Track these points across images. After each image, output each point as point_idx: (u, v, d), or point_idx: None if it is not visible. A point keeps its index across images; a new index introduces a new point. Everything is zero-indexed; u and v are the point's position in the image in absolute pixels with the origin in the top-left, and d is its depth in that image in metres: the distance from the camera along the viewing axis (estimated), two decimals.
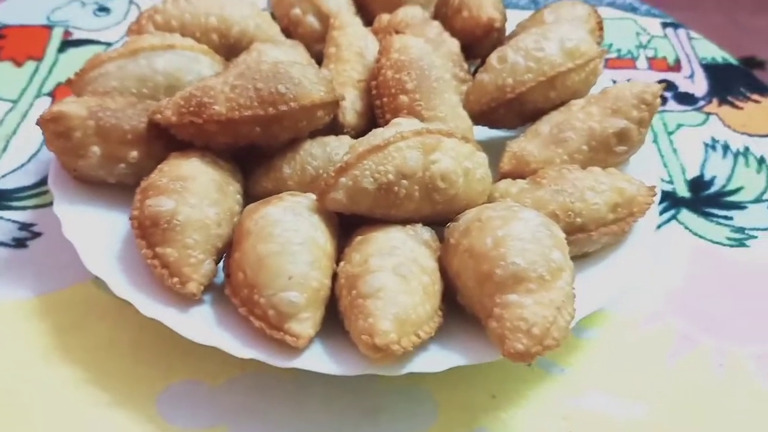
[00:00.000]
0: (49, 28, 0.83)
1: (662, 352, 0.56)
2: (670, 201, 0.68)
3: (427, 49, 0.61)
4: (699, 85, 0.81)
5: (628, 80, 0.79)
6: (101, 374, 0.52)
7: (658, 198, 0.59)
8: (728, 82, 0.82)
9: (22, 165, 0.67)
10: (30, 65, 0.78)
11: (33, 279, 0.57)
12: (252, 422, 0.49)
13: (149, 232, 0.50)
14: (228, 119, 0.53)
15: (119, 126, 0.55)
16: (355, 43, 0.66)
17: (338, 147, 0.57)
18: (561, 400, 0.52)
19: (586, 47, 0.62)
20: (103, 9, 0.86)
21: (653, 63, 0.84)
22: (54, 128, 0.54)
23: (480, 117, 0.64)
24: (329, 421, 0.50)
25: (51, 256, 0.59)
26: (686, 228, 0.66)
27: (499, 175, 0.60)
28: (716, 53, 0.86)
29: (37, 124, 0.54)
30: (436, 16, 0.74)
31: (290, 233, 0.48)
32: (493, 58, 0.63)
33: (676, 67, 0.84)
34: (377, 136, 0.51)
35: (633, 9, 0.92)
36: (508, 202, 0.52)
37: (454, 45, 0.68)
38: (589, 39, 0.63)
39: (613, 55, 0.85)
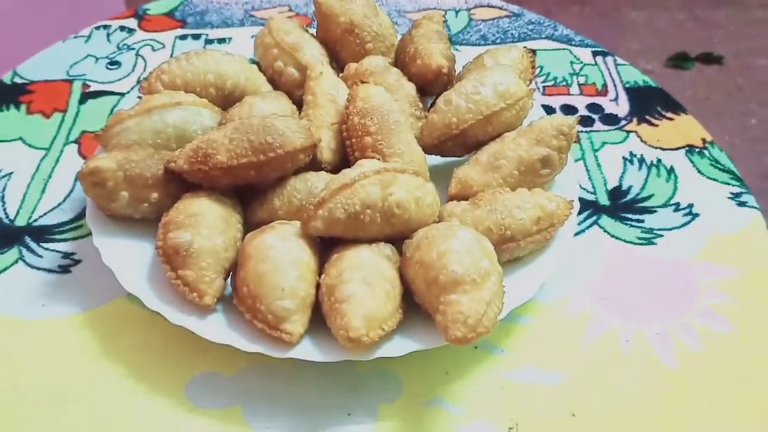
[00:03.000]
0: (69, 82, 0.95)
1: (581, 332, 0.69)
2: (593, 209, 0.82)
3: (386, 97, 0.75)
4: (622, 107, 0.95)
5: (562, 105, 0.94)
6: (138, 370, 0.65)
7: (575, 210, 0.73)
8: (647, 103, 0.95)
9: (59, 204, 0.79)
10: (57, 116, 0.90)
11: (79, 298, 0.70)
12: (260, 402, 0.63)
13: (172, 259, 0.64)
14: (228, 166, 0.67)
15: (142, 174, 0.69)
16: (328, 91, 0.79)
17: (317, 181, 0.71)
18: (500, 374, 0.66)
19: (515, 89, 0.76)
20: (114, 63, 0.98)
21: (584, 89, 0.98)
22: (91, 180, 0.67)
23: (432, 149, 0.77)
24: (320, 396, 0.63)
25: (91, 278, 0.71)
26: (605, 231, 0.79)
27: (448, 197, 0.74)
28: (638, 77, 0.99)
29: (77, 177, 0.68)
30: (396, 63, 0.87)
31: (281, 255, 0.62)
32: (440, 101, 0.77)
33: (603, 91, 0.97)
34: (346, 175, 0.65)
35: (569, 40, 1.06)
36: (450, 223, 0.66)
37: (410, 88, 0.82)
38: (518, 81, 0.77)
39: (550, 83, 0.99)
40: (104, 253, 0.68)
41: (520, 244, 0.68)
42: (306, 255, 0.64)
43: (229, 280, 0.66)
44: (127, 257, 0.68)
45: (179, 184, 0.70)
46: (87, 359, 0.66)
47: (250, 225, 0.70)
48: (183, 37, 1.03)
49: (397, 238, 0.67)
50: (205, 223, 0.65)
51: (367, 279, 0.61)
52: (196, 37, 1.03)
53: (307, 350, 0.61)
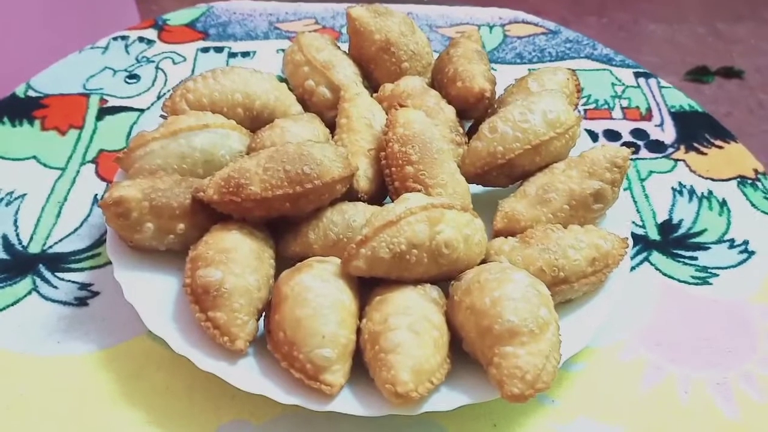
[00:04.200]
0: (86, 96, 0.90)
1: (637, 381, 0.65)
2: (643, 244, 0.77)
3: (428, 123, 0.70)
4: (668, 133, 0.91)
5: (605, 131, 0.90)
6: (160, 416, 0.60)
7: (629, 249, 0.68)
8: (694, 130, 0.90)
9: (76, 230, 0.75)
10: (72, 134, 0.85)
11: (96, 334, 0.66)
12: None
13: (201, 299, 0.59)
14: (263, 198, 0.62)
15: (169, 204, 0.64)
16: (364, 114, 0.74)
17: (355, 214, 0.66)
18: (552, 426, 0.61)
19: (566, 117, 0.72)
20: (133, 76, 0.93)
21: (627, 112, 0.93)
22: (115, 210, 0.62)
23: (475, 178, 0.73)
24: None
25: (110, 312, 0.67)
26: (656, 269, 0.75)
27: (493, 232, 0.69)
28: (684, 102, 0.95)
29: (100, 206, 0.63)
30: (432, 83, 0.83)
31: (321, 298, 0.57)
32: (485, 128, 0.72)
33: (648, 116, 0.93)
34: (390, 211, 0.61)
35: (609, 60, 1.01)
36: (502, 265, 0.61)
37: (450, 112, 0.77)
38: (568, 109, 0.73)
39: (591, 105, 0.94)
40: (126, 288, 0.63)
41: (573, 286, 0.64)
42: (347, 297, 0.59)
43: (261, 321, 0.61)
44: (150, 293, 0.64)
45: (207, 214, 0.65)
46: (104, 403, 0.62)
47: (281, 259, 0.65)
48: (205, 50, 0.98)
49: (443, 278, 0.63)
50: (237, 260, 0.60)
51: (414, 326, 0.56)
52: (219, 50, 0.99)
53: (348, 403, 0.57)
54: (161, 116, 0.77)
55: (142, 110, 0.89)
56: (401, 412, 0.56)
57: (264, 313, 0.61)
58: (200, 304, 0.59)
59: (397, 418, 0.58)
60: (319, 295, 0.57)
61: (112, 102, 0.90)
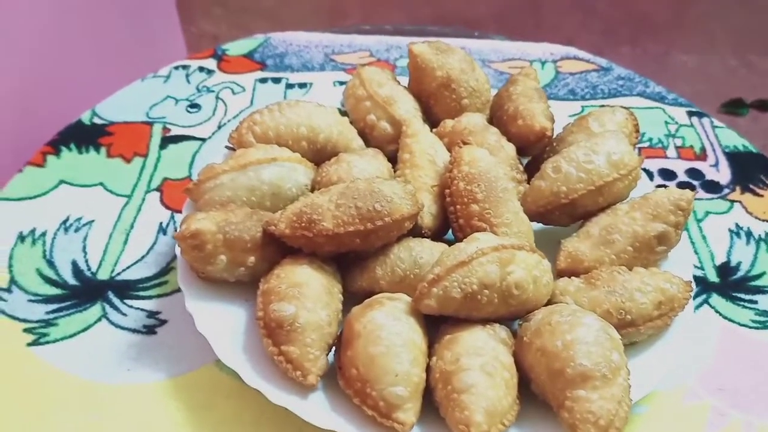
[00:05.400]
0: (149, 124, 0.92)
1: (701, 427, 0.65)
2: (702, 286, 0.77)
3: (492, 162, 0.71)
4: (723, 174, 0.91)
5: (659, 170, 0.90)
6: None
7: (693, 293, 0.68)
8: (749, 171, 0.90)
9: (143, 257, 0.76)
10: (137, 161, 0.87)
11: (165, 362, 0.67)
12: None
13: (275, 333, 0.60)
14: (335, 234, 0.63)
15: (241, 237, 0.65)
16: (426, 150, 0.75)
17: (422, 251, 0.67)
18: None
19: (629, 159, 0.72)
20: (194, 105, 0.95)
21: (681, 152, 0.93)
22: (191, 243, 0.64)
23: (536, 217, 0.73)
24: None
25: (178, 341, 0.68)
26: (716, 311, 0.75)
27: (557, 272, 0.70)
28: (738, 141, 0.95)
29: (176, 239, 0.65)
30: (491, 120, 0.84)
31: (394, 336, 0.58)
32: (548, 168, 0.73)
33: (703, 156, 0.93)
34: (461, 251, 0.61)
35: (661, 98, 1.02)
36: (571, 307, 0.62)
37: (511, 149, 0.78)
38: (631, 150, 0.73)
39: (645, 144, 0.94)
40: (198, 318, 0.64)
41: (640, 329, 0.64)
42: (418, 336, 0.60)
43: (330, 356, 0.62)
44: (220, 324, 0.65)
45: (277, 247, 0.66)
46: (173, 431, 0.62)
47: (348, 293, 0.66)
48: (263, 81, 1.00)
49: (510, 317, 0.63)
50: (310, 295, 0.61)
51: (486, 367, 0.57)
52: (277, 80, 1.01)
53: None
54: (227, 147, 0.79)
55: (203, 139, 0.91)
56: None
57: (333, 349, 0.62)
58: (273, 337, 0.60)
59: None
60: (392, 333, 0.58)
61: (174, 131, 0.92)
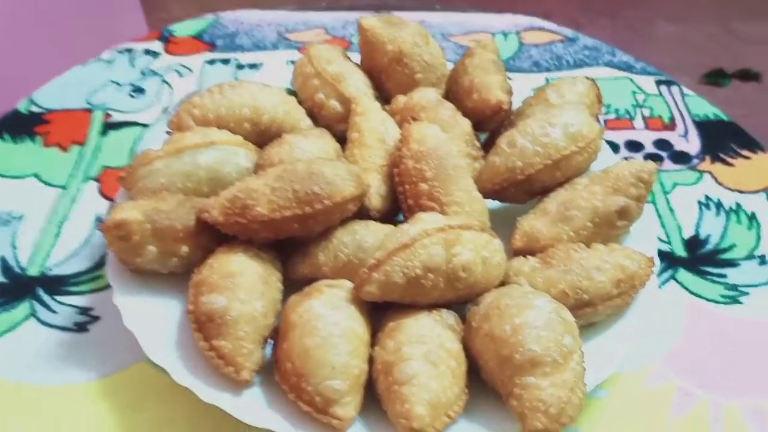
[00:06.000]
0: (89, 111, 0.87)
1: (665, 409, 0.61)
2: (668, 261, 0.74)
3: (443, 138, 0.67)
4: (693, 144, 0.87)
5: (626, 142, 0.86)
6: None
7: (657, 269, 0.64)
8: (720, 140, 0.87)
9: (76, 251, 0.72)
10: (75, 150, 0.82)
11: (96, 362, 0.63)
12: None
13: (205, 327, 0.56)
14: (270, 219, 0.59)
15: (172, 226, 0.61)
16: (376, 128, 0.71)
17: (367, 234, 0.63)
18: None
19: (588, 130, 0.68)
20: (138, 90, 0.91)
21: (649, 122, 0.89)
22: (116, 233, 0.59)
23: (492, 194, 0.69)
24: None
25: (110, 338, 0.64)
26: (684, 287, 0.71)
27: (512, 251, 0.66)
28: (708, 110, 0.91)
29: (100, 230, 0.60)
30: (447, 95, 0.79)
31: (331, 327, 0.54)
32: (503, 142, 0.69)
33: (671, 125, 0.89)
34: (404, 233, 0.57)
35: (629, 67, 0.98)
36: (523, 289, 0.58)
37: (466, 125, 0.74)
38: (590, 121, 0.69)
39: (612, 115, 0.90)
40: (126, 314, 0.60)
41: (598, 309, 0.60)
42: (359, 325, 0.56)
43: (268, 349, 0.58)
44: (152, 319, 0.60)
45: (212, 236, 0.62)
46: None
47: (289, 281, 0.62)
48: (212, 62, 0.96)
49: (459, 301, 0.59)
50: (243, 285, 0.57)
51: (430, 356, 0.53)
52: (226, 61, 0.96)
53: None
54: (167, 133, 0.74)
55: (147, 125, 0.86)
56: None
57: (272, 341, 0.58)
58: (204, 331, 0.56)
59: None
60: (330, 323, 0.54)
61: (116, 117, 0.87)
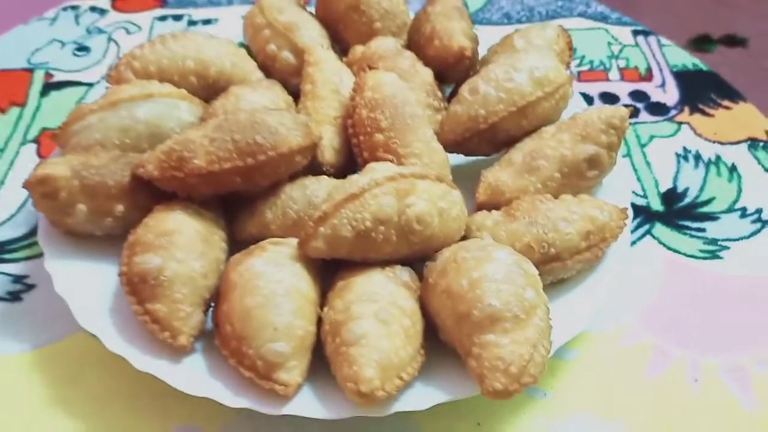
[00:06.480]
0: (30, 71, 0.83)
1: (640, 369, 0.58)
2: (644, 215, 0.70)
3: (400, 86, 0.63)
4: (670, 94, 0.83)
5: (601, 93, 0.82)
6: (101, 424, 0.53)
7: (629, 221, 0.60)
8: (699, 90, 0.83)
9: (12, 216, 0.68)
10: (14, 111, 0.78)
11: (30, 332, 0.59)
12: None
13: (138, 289, 0.52)
14: (209, 172, 0.55)
15: (104, 182, 0.56)
16: (330, 79, 0.67)
17: (317, 189, 0.59)
18: (544, 423, 0.54)
19: (555, 75, 0.64)
20: (83, 48, 0.86)
21: (625, 73, 0.85)
22: (41, 190, 0.55)
23: (454, 146, 0.65)
24: None
25: (46, 307, 0.60)
26: (660, 242, 0.67)
27: (476, 205, 0.62)
28: (687, 60, 0.87)
29: (24, 187, 0.56)
30: (408, 45, 0.75)
31: (274, 285, 0.50)
32: (465, 90, 0.65)
33: (648, 76, 0.85)
34: (353, 183, 0.53)
35: (604, 18, 0.93)
36: (483, 241, 0.54)
37: (427, 74, 0.70)
38: (558, 66, 0.65)
39: (586, 67, 0.86)
40: (57, 279, 0.56)
41: (566, 263, 0.56)
42: (305, 283, 0.51)
43: (210, 312, 0.54)
44: (86, 285, 0.56)
45: (150, 193, 0.58)
46: (39, 408, 0.55)
47: (236, 242, 0.58)
48: (162, 18, 0.91)
49: (416, 258, 0.55)
50: (180, 244, 0.53)
51: (381, 314, 0.49)
52: (178, 18, 0.91)
53: (307, 405, 0.49)
54: (107, 88, 0.69)
55: (90, 84, 0.81)
56: (367, 413, 0.48)
57: (213, 305, 0.54)
58: (137, 295, 0.52)
59: (365, 420, 0.51)
60: (272, 281, 0.50)
61: (58, 76, 0.83)
